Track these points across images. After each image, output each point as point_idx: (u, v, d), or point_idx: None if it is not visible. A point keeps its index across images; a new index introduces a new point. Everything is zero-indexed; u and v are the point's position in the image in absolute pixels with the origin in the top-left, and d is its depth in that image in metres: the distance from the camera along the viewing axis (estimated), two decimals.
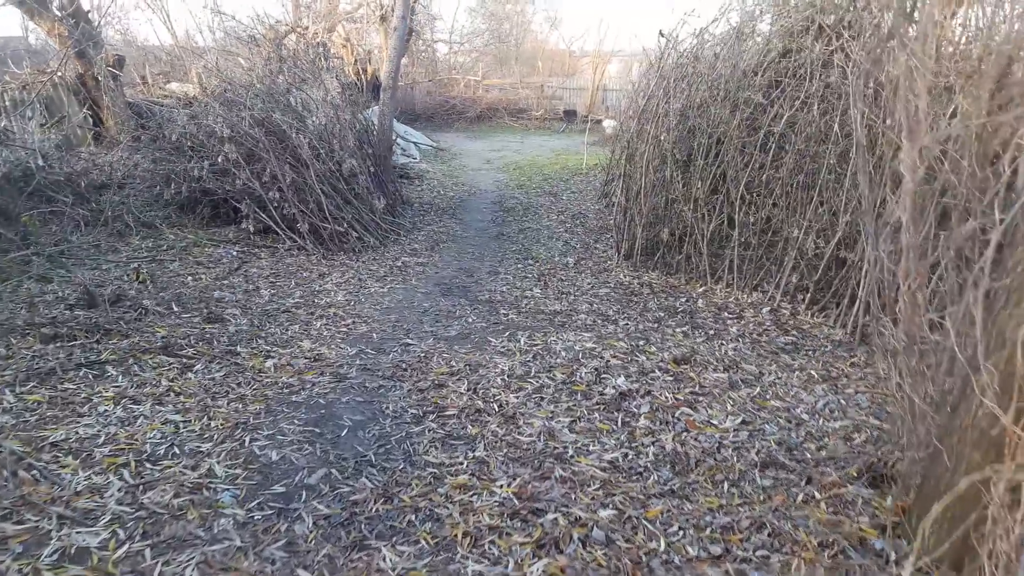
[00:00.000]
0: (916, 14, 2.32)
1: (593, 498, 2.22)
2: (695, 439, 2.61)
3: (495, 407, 2.87)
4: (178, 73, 11.46)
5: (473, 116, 17.21)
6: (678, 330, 3.96)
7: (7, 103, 6.55)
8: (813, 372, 3.32)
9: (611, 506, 2.18)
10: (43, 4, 6.96)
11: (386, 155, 7.44)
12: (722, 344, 3.70)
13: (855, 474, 2.30)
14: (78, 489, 2.17)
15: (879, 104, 3.27)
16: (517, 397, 2.96)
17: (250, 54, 7.08)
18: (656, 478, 2.36)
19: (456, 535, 2.03)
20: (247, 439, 2.54)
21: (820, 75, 4.23)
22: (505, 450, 2.53)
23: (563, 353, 3.45)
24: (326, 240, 5.57)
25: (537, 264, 5.57)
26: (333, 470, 2.37)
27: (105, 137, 7.41)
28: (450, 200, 8.28)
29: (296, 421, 2.71)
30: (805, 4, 4.53)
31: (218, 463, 2.37)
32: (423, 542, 2.01)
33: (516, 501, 2.19)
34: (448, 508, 2.16)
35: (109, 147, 7.05)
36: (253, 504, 2.16)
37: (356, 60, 14.48)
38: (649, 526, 2.09)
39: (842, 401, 2.99)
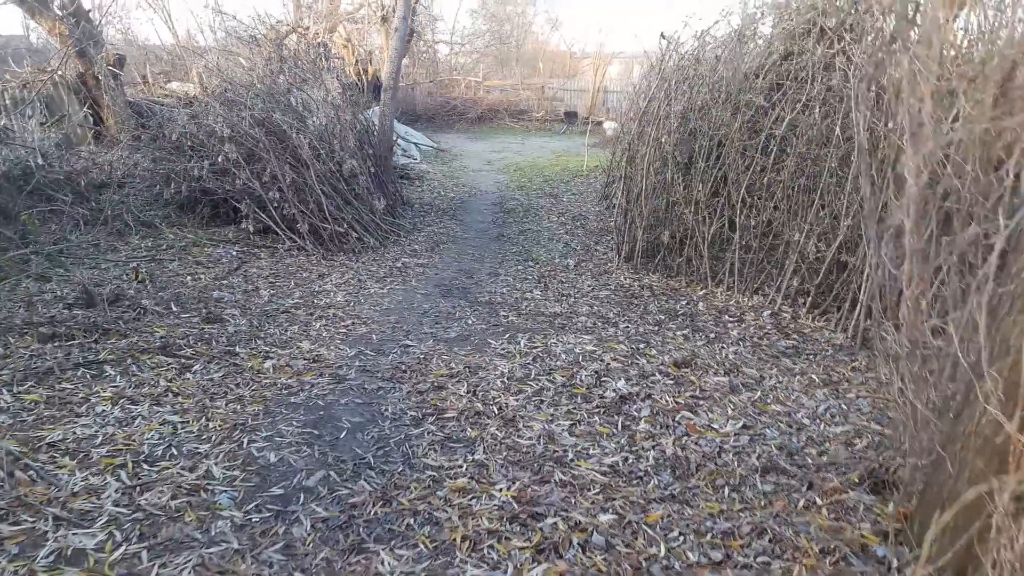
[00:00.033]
0: (918, 18, 2.31)
1: (593, 502, 2.21)
2: (696, 443, 2.60)
3: (495, 410, 2.86)
4: (179, 72, 11.45)
5: (474, 117, 17.22)
6: (679, 333, 3.95)
7: (7, 102, 6.54)
8: (814, 376, 3.31)
9: (611, 511, 2.17)
10: (44, 3, 6.95)
11: (387, 156, 7.43)
12: (723, 348, 3.69)
13: (856, 480, 2.29)
14: (75, 490, 2.16)
15: (881, 107, 3.27)
16: (517, 400, 2.95)
17: (251, 54, 7.06)
18: (656, 482, 2.34)
19: (455, 539, 2.02)
20: (245, 440, 2.53)
21: (822, 78, 4.22)
22: (505, 453, 2.52)
23: (563, 356, 3.44)
24: (326, 240, 5.56)
25: (537, 266, 5.56)
26: (331, 472, 2.36)
27: (105, 136, 7.40)
28: (450, 201, 8.27)
29: (295, 423, 2.69)
30: (807, 7, 4.52)
31: (216, 464, 2.36)
32: (422, 546, 1.99)
33: (515, 505, 2.18)
34: (447, 512, 2.15)
35: (109, 146, 7.04)
36: (251, 506, 2.15)
37: (357, 61, 14.48)
38: (649, 531, 2.08)
39: (843, 406, 2.98)
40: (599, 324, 4.10)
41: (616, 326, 4.07)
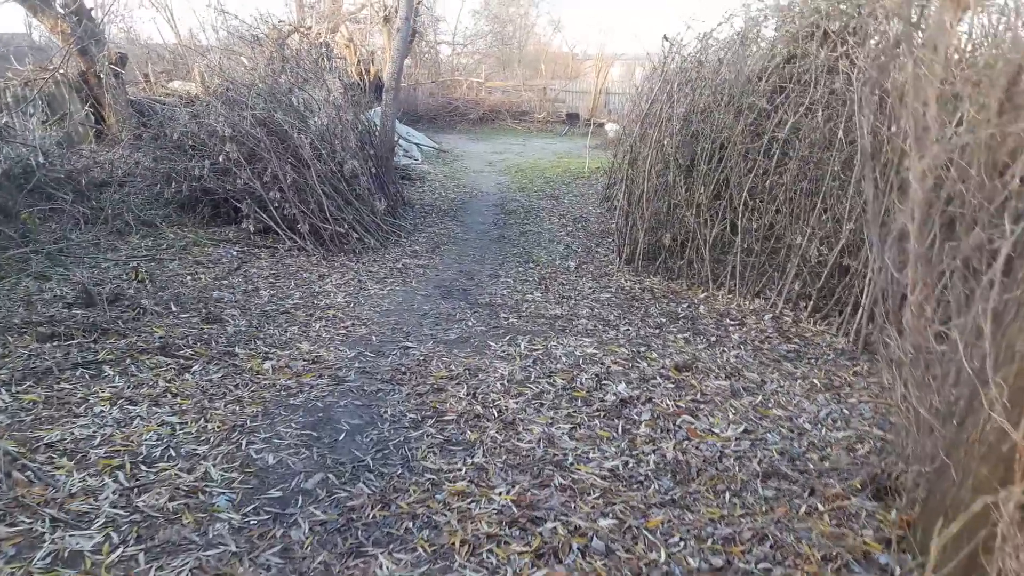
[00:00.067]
0: (922, 21, 2.30)
1: (593, 507, 2.20)
2: (696, 448, 2.58)
3: (494, 412, 2.85)
4: (181, 72, 11.45)
5: (475, 118, 17.21)
6: (679, 336, 3.93)
7: (9, 99, 6.52)
8: (816, 381, 3.29)
9: (611, 515, 2.15)
10: (46, 1, 6.95)
11: (388, 156, 7.43)
12: (724, 351, 3.67)
13: (859, 486, 2.28)
14: (72, 491, 2.15)
15: (884, 111, 3.25)
16: (517, 403, 2.93)
17: (253, 53, 7.05)
18: (657, 487, 2.33)
19: (454, 543, 2.00)
20: (244, 442, 2.52)
21: (825, 81, 4.21)
22: (504, 456, 2.51)
23: (563, 358, 3.42)
24: (326, 241, 5.55)
25: (538, 267, 5.55)
26: (330, 475, 2.34)
27: (107, 135, 7.40)
28: (451, 202, 8.26)
29: (293, 424, 2.68)
30: (810, 10, 4.50)
31: (214, 466, 2.35)
32: (420, 550, 1.98)
33: (515, 509, 2.17)
34: (446, 515, 2.14)
35: (110, 145, 7.04)
36: (249, 509, 2.13)
37: (359, 61, 14.47)
38: (649, 536, 2.06)
39: (845, 411, 2.97)
40: (600, 327, 4.08)
41: (617, 329, 4.06)
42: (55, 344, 3.20)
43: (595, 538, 2.03)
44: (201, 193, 5.79)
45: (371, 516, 2.12)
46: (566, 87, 18.90)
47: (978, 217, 1.78)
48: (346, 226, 5.69)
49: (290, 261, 5.22)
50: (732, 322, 4.21)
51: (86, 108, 7.31)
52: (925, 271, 1.82)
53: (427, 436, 2.65)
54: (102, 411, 2.67)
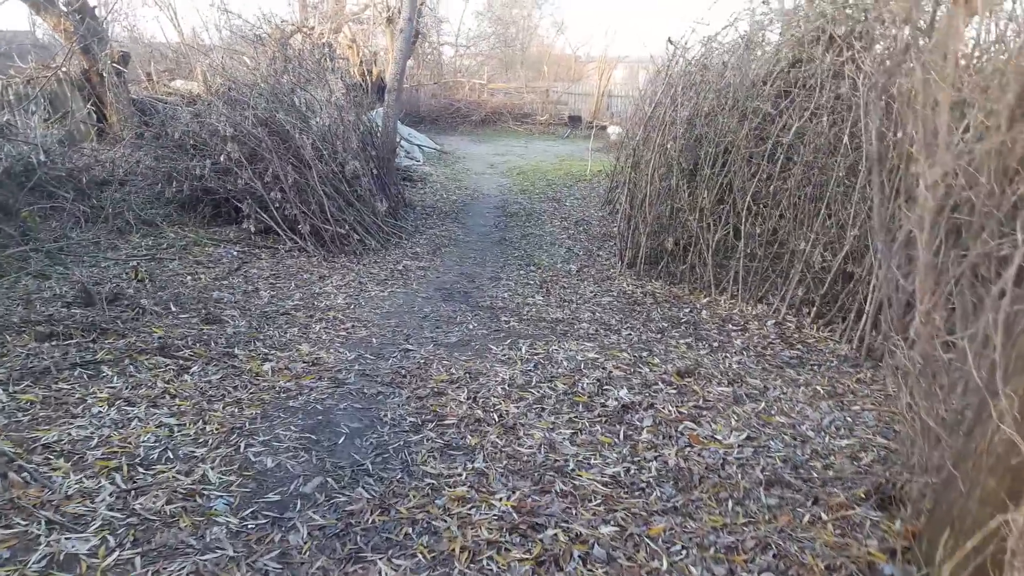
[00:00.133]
0: (932, 27, 2.28)
1: (594, 514, 2.17)
2: (699, 455, 2.56)
3: (495, 417, 2.82)
4: (183, 71, 11.44)
5: (478, 120, 17.21)
6: (682, 341, 3.91)
7: (11, 97, 6.52)
8: (819, 388, 3.27)
9: (613, 522, 2.13)
10: None
11: (389, 157, 7.41)
12: (726, 357, 3.65)
13: (863, 495, 2.25)
14: (69, 493, 2.13)
15: (891, 116, 3.23)
16: (517, 407, 2.91)
17: (255, 53, 7.03)
18: (659, 494, 2.31)
19: (454, 549, 1.98)
20: (242, 445, 2.50)
21: (830, 86, 4.19)
22: (505, 462, 2.49)
23: (565, 363, 3.40)
24: (327, 242, 5.53)
25: (539, 271, 5.53)
26: (329, 479, 2.32)
27: (108, 133, 7.38)
28: (453, 204, 8.25)
29: (292, 427, 2.66)
30: (816, 14, 4.49)
31: (212, 469, 2.32)
32: (420, 556, 1.96)
33: (515, 515, 2.14)
34: (446, 521, 2.11)
35: (112, 143, 7.02)
36: (247, 512, 2.11)
37: (362, 61, 14.47)
38: (651, 544, 2.04)
39: (848, 418, 2.94)
40: (601, 331, 4.06)
41: (618, 333, 4.04)
42: (53, 343, 3.18)
43: (596, 545, 2.01)
44: (202, 193, 5.78)
45: (370, 521, 2.10)
46: (569, 89, 18.90)
47: (987, 225, 1.76)
48: (347, 227, 5.67)
49: (291, 262, 5.20)
50: (735, 328, 4.19)
51: (88, 106, 7.30)
52: (933, 279, 1.80)
53: (427, 440, 2.62)
54: (100, 412, 2.64)
